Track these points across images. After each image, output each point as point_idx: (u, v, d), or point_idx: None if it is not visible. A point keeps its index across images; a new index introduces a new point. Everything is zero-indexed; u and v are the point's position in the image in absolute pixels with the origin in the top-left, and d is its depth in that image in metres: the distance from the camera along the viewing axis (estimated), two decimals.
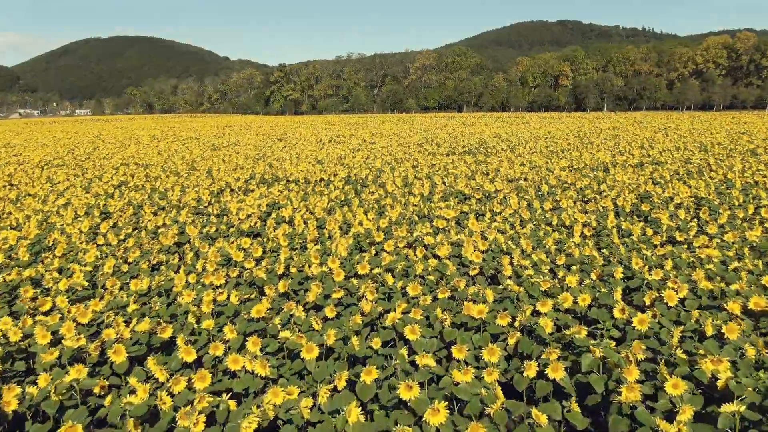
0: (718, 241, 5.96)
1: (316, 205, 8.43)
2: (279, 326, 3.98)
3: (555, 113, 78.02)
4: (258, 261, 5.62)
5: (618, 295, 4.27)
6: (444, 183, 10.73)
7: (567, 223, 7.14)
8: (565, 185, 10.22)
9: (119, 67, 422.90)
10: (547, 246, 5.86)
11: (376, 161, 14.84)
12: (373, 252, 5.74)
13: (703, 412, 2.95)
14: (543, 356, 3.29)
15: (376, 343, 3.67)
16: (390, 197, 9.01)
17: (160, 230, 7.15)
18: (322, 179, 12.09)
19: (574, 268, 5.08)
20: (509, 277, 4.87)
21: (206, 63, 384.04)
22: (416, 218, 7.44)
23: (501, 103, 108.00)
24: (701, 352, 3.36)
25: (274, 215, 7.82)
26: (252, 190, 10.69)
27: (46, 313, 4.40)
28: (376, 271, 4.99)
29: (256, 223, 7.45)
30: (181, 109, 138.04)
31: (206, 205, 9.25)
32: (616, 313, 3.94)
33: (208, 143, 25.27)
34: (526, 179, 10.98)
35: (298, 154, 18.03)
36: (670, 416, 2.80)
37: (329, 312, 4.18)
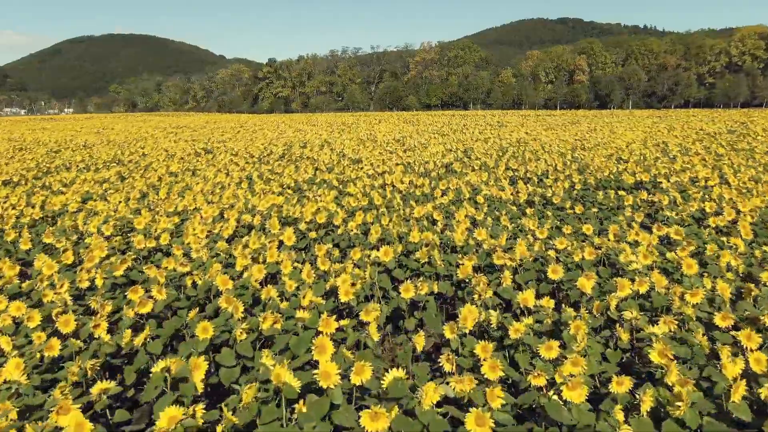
0: None
1: None
2: None
3: (580, 111, 66.68)
4: None
5: None
6: None
7: None
8: None
9: (115, 66, 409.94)
10: None
11: (340, 293, 3.83)
12: None
13: None
14: None
15: None
16: None
17: None
18: None
19: None
20: None
21: (202, 62, 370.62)
22: None
23: (513, 100, 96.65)
24: None
25: None
26: None
27: None
28: None
29: None
30: (164, 108, 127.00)
31: None
32: None
33: (75, 159, 14.27)
34: None
35: (135, 218, 6.88)
36: None
37: None
